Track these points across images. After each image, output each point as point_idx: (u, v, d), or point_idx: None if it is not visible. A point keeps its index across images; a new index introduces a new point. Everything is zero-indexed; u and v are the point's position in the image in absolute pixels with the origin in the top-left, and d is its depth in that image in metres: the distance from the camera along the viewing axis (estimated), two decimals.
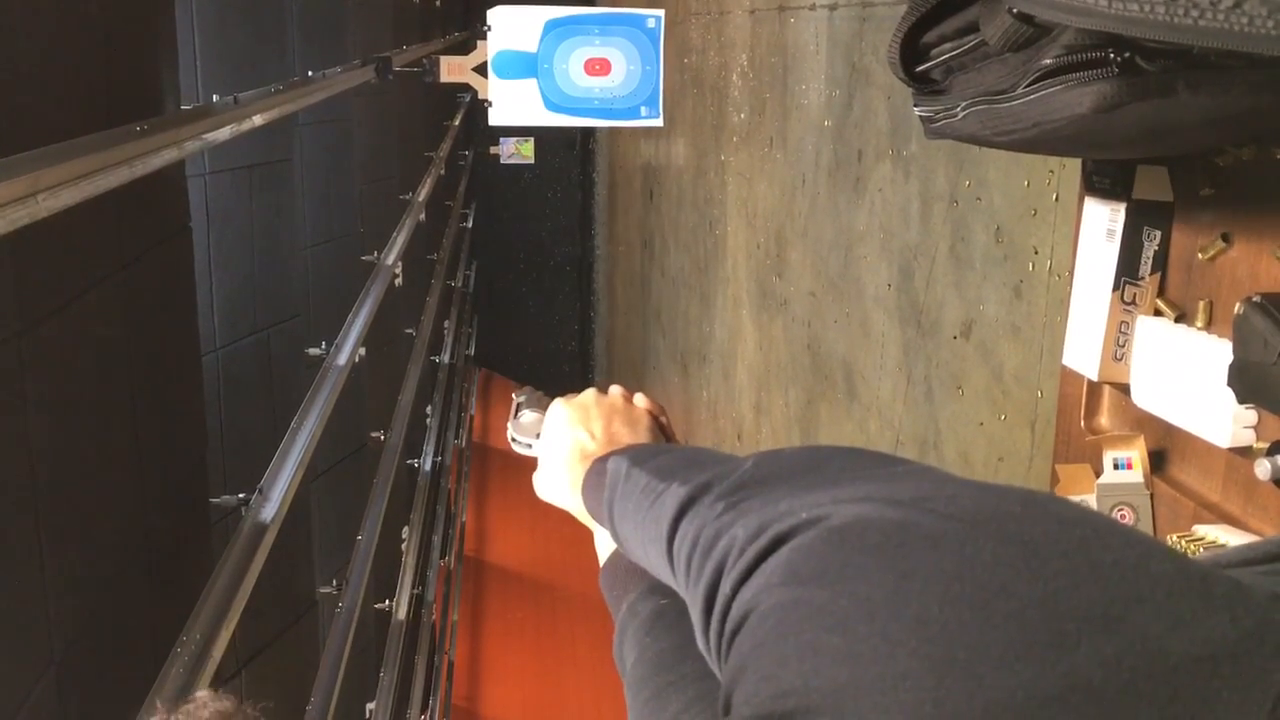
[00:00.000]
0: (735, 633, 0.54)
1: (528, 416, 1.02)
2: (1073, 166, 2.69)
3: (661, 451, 0.84)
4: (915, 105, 1.16)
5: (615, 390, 1.00)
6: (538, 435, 1.00)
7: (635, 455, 0.83)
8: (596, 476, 0.88)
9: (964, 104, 1.05)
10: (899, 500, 0.53)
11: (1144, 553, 0.49)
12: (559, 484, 0.96)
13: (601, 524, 0.89)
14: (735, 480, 0.65)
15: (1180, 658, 0.44)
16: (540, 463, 0.99)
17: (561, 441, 0.95)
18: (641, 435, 0.95)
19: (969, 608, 0.46)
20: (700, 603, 0.59)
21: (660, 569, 0.72)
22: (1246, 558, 0.61)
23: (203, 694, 0.59)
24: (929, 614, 0.46)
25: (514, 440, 1.04)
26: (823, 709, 0.46)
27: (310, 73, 4.20)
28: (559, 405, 0.99)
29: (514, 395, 1.06)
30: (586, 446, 0.94)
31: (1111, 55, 0.86)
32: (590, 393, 1.00)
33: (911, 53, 1.12)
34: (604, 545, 0.96)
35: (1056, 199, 2.88)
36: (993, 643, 0.45)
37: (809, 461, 0.65)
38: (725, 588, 0.56)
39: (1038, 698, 0.43)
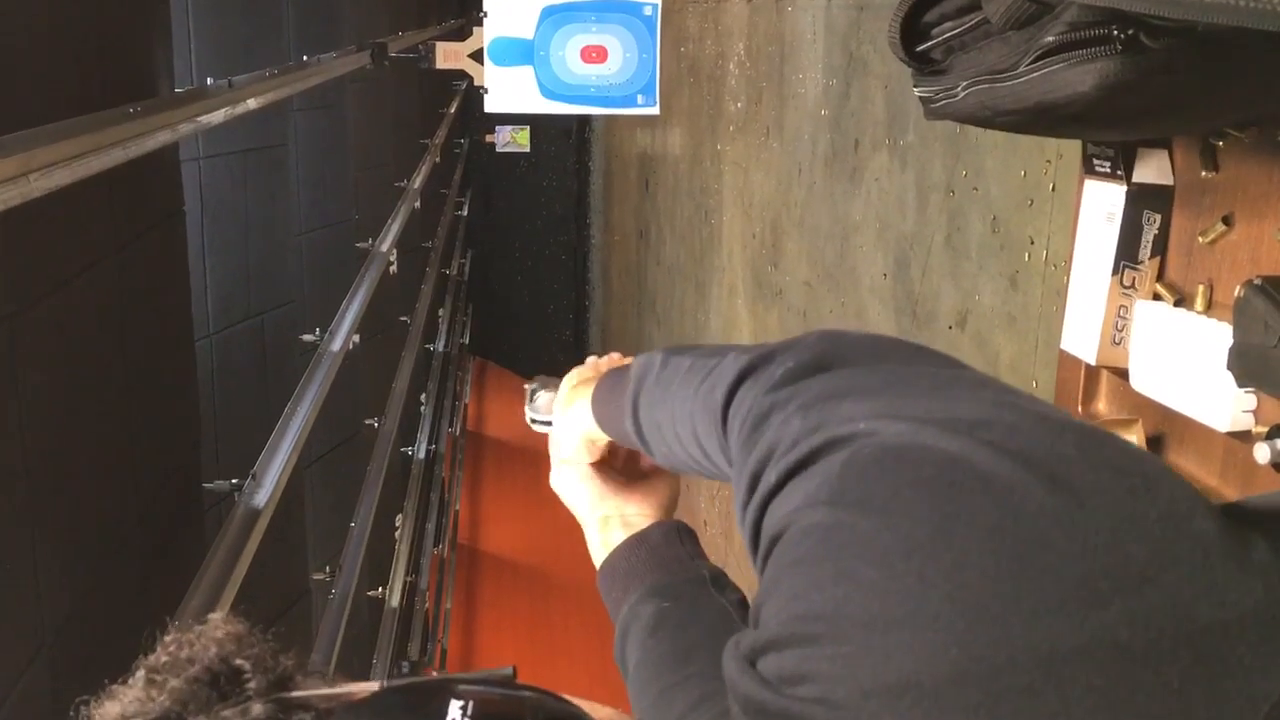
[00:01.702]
0: (774, 542, 0.54)
1: (543, 398, 1.03)
2: (1070, 156, 2.68)
3: (695, 346, 0.82)
4: (915, 86, 1.15)
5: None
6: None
7: (668, 349, 0.80)
8: (612, 382, 0.87)
9: (965, 84, 1.04)
10: (957, 426, 0.53)
11: (1188, 509, 0.49)
12: (565, 424, 0.95)
13: (615, 429, 0.87)
14: (797, 351, 0.64)
15: (1208, 621, 0.44)
16: (555, 427, 0.99)
17: (566, 386, 0.96)
18: None
19: (1007, 558, 0.47)
20: (746, 480, 0.59)
21: (708, 442, 0.70)
22: (1260, 507, 0.60)
23: (215, 616, 0.58)
24: (967, 560, 0.47)
25: (532, 421, 1.04)
26: (849, 638, 0.47)
27: (305, 57, 4.18)
28: (570, 374, 1.00)
29: (525, 385, 1.07)
30: (586, 375, 0.95)
31: (1115, 32, 0.85)
32: (596, 359, 1.02)
33: (912, 32, 1.11)
34: (599, 548, 0.96)
35: (1053, 189, 2.88)
36: (1025, 595, 0.45)
37: (873, 349, 0.64)
38: (770, 477, 0.56)
39: (1064, 651, 0.44)
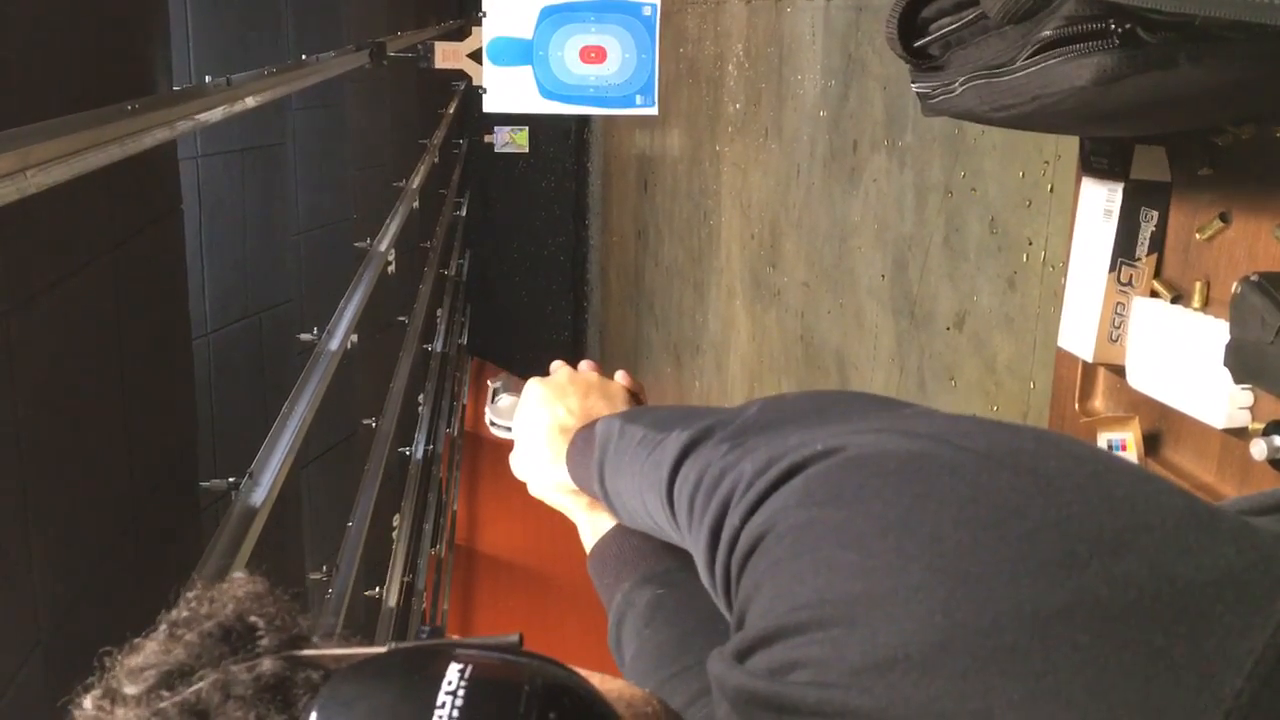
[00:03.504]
0: (749, 555, 0.55)
1: (505, 400, 1.03)
2: (1068, 158, 2.68)
3: (654, 409, 0.84)
4: (913, 82, 1.15)
5: (586, 365, 1.01)
6: None
7: (627, 414, 0.83)
8: (583, 443, 0.88)
9: (962, 79, 1.04)
10: (915, 433, 0.54)
11: (1154, 489, 0.50)
12: (538, 461, 0.95)
13: (587, 489, 0.88)
14: (740, 424, 0.65)
15: (1186, 581, 0.45)
16: (517, 442, 0.98)
17: (538, 418, 0.95)
18: (618, 408, 0.94)
19: (982, 527, 0.47)
20: (705, 538, 0.59)
21: (658, 516, 0.72)
22: (1242, 508, 0.61)
23: (238, 574, 0.59)
24: (943, 532, 0.47)
25: (493, 424, 1.04)
26: (836, 620, 0.47)
27: (304, 56, 4.18)
28: (533, 384, 0.98)
29: (489, 382, 1.07)
30: (565, 421, 0.94)
31: (1112, 26, 0.85)
32: (564, 370, 1.00)
33: (910, 28, 1.11)
34: (589, 532, 0.96)
35: (1051, 190, 2.88)
36: (1004, 559, 0.46)
37: (815, 404, 0.65)
38: (733, 519, 0.57)
39: (1046, 611, 0.44)
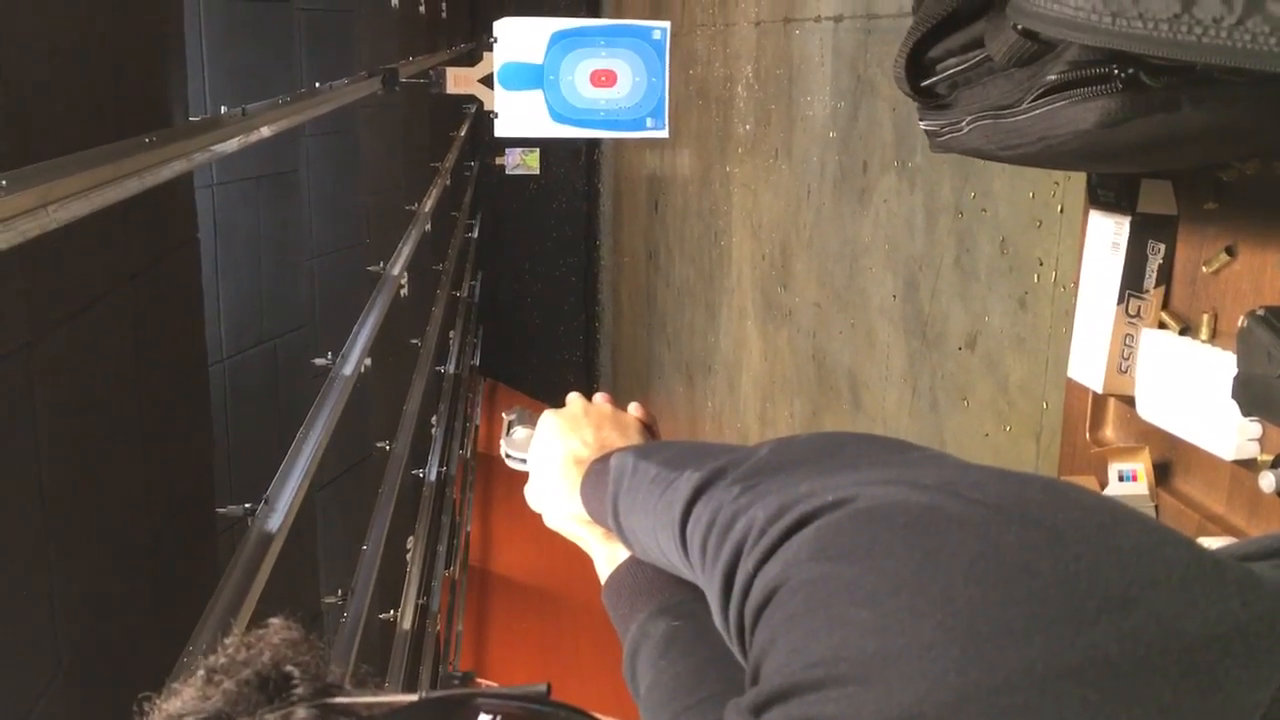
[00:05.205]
0: (762, 607, 0.55)
1: (520, 433, 1.03)
2: (1077, 178, 2.70)
3: (667, 445, 0.84)
4: (920, 119, 1.17)
5: (600, 397, 1.01)
6: None
7: (640, 450, 0.83)
8: (597, 476, 0.89)
9: (969, 118, 1.06)
10: (925, 485, 0.55)
11: (1160, 540, 0.51)
12: (553, 493, 0.96)
13: (602, 522, 0.89)
14: (751, 466, 0.66)
15: (1194, 637, 0.46)
16: (532, 474, 0.99)
17: (554, 450, 0.96)
18: (632, 440, 0.95)
19: (993, 585, 0.48)
20: (719, 582, 0.60)
21: (671, 555, 0.72)
22: (1247, 553, 0.62)
23: (275, 621, 0.60)
24: (954, 590, 0.48)
25: (508, 456, 1.04)
26: (851, 678, 0.48)
27: (317, 84, 4.22)
28: (548, 416, 0.99)
29: (504, 414, 1.07)
30: (579, 453, 0.94)
31: (1115, 71, 0.87)
32: (578, 402, 1.00)
33: (917, 68, 1.13)
34: (604, 562, 0.96)
35: (1061, 210, 2.89)
36: (1015, 617, 0.47)
37: (826, 447, 0.66)
38: (747, 565, 0.58)
39: (1057, 669, 0.45)
